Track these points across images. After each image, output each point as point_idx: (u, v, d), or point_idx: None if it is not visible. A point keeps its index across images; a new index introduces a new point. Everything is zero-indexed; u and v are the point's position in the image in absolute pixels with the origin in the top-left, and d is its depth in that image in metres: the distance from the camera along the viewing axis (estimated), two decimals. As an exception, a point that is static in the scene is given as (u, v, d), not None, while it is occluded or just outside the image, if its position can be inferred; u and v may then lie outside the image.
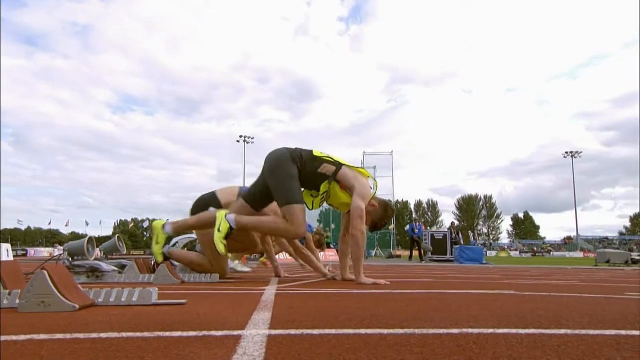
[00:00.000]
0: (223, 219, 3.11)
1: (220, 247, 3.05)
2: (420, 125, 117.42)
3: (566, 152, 57.02)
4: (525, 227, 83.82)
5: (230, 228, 3.10)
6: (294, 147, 3.33)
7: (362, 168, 3.41)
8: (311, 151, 3.31)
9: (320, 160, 3.26)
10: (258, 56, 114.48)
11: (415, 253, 16.20)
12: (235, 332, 1.18)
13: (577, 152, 56.41)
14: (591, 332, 1.25)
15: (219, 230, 3.08)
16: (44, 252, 32.32)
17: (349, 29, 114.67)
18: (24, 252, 33.74)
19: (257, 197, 3.34)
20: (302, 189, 3.40)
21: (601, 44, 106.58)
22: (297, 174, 3.18)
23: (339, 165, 3.28)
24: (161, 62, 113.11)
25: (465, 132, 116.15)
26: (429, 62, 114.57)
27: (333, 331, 1.22)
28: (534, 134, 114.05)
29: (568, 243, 61.95)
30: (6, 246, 15.78)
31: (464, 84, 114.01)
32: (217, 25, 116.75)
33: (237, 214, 3.29)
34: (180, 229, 3.35)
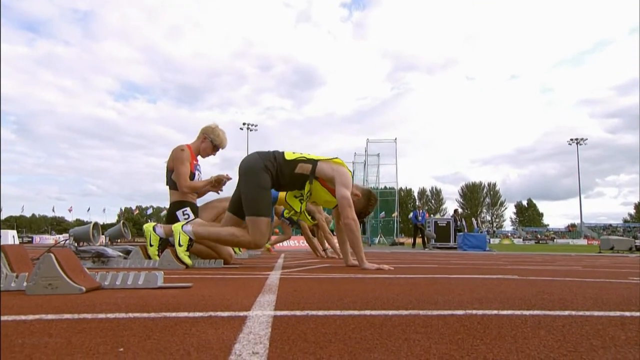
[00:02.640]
0: (181, 233, 3.17)
1: (187, 259, 3.15)
2: (424, 113, 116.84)
3: (571, 139, 56.63)
4: (528, 215, 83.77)
5: (190, 239, 3.19)
6: (270, 150, 3.28)
7: (336, 158, 3.33)
8: (283, 153, 3.25)
9: (295, 162, 3.22)
10: (260, 43, 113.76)
11: (419, 240, 16.28)
12: (241, 313, 1.19)
13: (582, 139, 56.01)
14: (595, 313, 1.26)
15: (179, 245, 3.15)
16: (50, 239, 32.56)
17: (351, 16, 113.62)
18: (30, 239, 34.05)
19: (240, 206, 3.25)
20: (285, 192, 3.47)
21: (606, 29, 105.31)
22: (270, 182, 3.16)
23: (314, 162, 3.24)
24: (163, 49, 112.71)
25: (468, 120, 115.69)
26: (432, 49, 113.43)
27: (338, 312, 1.23)
28: (537, 121, 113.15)
29: (572, 230, 61.93)
30: (12, 232, 15.93)
31: (467, 71, 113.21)
32: (218, 12, 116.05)
33: (225, 225, 3.35)
34: (170, 230, 3.39)
